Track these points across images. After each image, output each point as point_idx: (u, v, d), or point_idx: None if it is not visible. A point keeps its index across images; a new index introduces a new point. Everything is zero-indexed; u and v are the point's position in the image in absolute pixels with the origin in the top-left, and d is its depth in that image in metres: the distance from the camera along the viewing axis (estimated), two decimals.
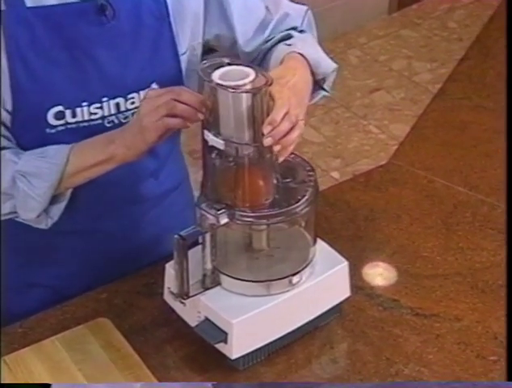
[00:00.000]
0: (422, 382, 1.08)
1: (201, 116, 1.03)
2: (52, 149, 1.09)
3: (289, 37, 1.19)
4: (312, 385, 1.08)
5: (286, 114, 1.00)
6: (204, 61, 1.03)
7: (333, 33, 3.19)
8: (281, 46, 1.18)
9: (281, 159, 1.04)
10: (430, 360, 1.11)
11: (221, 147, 1.02)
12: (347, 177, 2.40)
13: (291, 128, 1.00)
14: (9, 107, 1.07)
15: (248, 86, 0.99)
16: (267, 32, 1.20)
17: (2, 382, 1.07)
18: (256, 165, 1.03)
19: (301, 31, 1.22)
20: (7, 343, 1.13)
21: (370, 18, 3.39)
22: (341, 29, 3.26)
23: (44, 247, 1.21)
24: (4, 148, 1.09)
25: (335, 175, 2.66)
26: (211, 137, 1.02)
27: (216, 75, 1.00)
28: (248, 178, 1.03)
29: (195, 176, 1.39)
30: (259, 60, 1.21)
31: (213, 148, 1.03)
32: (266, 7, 1.21)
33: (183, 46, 1.16)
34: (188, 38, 1.17)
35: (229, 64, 1.02)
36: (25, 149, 1.10)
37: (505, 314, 1.16)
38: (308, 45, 1.17)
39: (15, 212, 1.11)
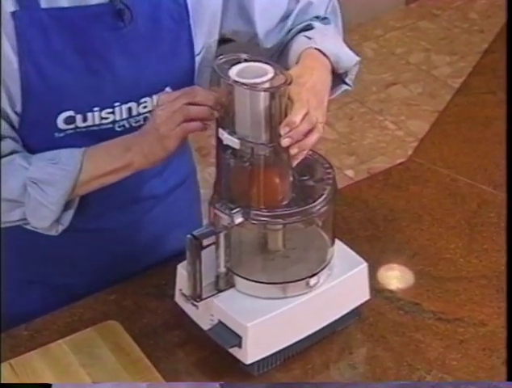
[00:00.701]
0: (440, 382, 1.06)
1: (216, 114, 1.01)
2: (63, 154, 1.06)
3: (310, 28, 1.16)
4: (328, 386, 1.07)
5: (305, 115, 0.98)
6: (221, 56, 1.01)
7: (347, 25, 3.12)
8: (300, 38, 1.15)
9: (295, 163, 1.02)
10: (454, 367, 1.09)
11: (236, 146, 1.00)
12: (362, 175, 2.37)
13: (310, 131, 0.98)
14: (18, 108, 1.05)
15: (266, 85, 0.97)
16: (289, 23, 1.17)
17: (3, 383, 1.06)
18: (272, 165, 1.01)
19: (325, 19, 1.19)
20: (13, 346, 1.12)
21: (386, 9, 3.35)
22: (355, 20, 3.21)
23: (47, 245, 1.19)
24: (13, 152, 1.07)
25: (349, 173, 2.61)
26: (225, 136, 1.00)
27: (233, 72, 0.98)
28: (263, 178, 1.01)
29: (203, 174, 1.38)
30: (279, 52, 1.19)
31: (227, 147, 1.01)
32: None
33: (199, 46, 1.14)
34: (205, 37, 1.14)
35: (246, 60, 1.00)
36: (31, 151, 1.09)
37: (506, 314, 1.13)
38: (328, 39, 1.14)
39: (25, 220, 1.08)
